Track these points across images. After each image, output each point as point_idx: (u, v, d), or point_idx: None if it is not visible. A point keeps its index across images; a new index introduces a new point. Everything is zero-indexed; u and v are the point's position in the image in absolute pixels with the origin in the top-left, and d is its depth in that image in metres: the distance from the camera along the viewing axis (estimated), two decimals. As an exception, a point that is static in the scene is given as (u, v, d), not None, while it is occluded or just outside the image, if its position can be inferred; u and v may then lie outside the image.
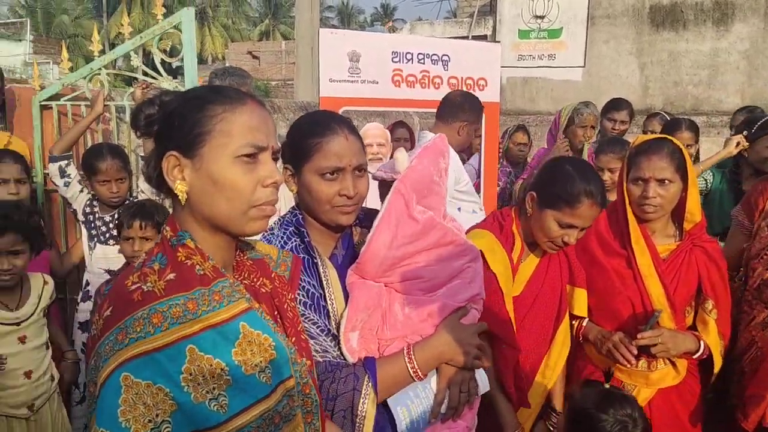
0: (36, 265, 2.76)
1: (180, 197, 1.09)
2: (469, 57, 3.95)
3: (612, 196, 2.98)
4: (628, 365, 2.09)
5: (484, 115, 3.69)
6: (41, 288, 2.45)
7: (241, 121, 1.08)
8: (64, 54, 3.35)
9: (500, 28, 9.55)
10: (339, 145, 1.45)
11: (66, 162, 3.03)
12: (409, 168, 1.51)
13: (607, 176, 3.07)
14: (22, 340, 2.32)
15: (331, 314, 1.47)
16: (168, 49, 3.26)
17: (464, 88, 3.87)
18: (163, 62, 3.10)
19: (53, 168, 3.01)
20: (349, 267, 1.51)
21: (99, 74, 3.15)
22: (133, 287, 1.04)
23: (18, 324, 2.32)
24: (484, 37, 9.83)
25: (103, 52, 3.25)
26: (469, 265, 1.61)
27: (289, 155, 1.54)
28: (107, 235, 3.03)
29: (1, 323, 2.28)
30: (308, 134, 1.48)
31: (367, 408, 1.38)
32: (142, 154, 2.98)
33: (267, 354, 1.09)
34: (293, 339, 1.23)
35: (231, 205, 1.08)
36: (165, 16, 3.06)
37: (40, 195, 3.46)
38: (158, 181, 1.13)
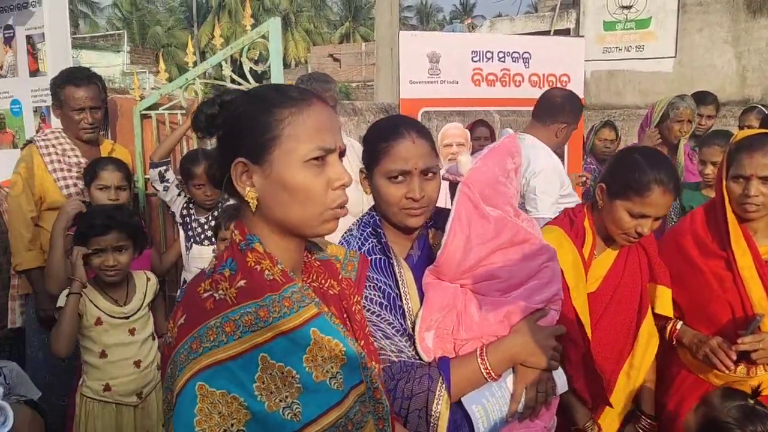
0: (138, 264, 2.97)
1: (251, 204, 1.08)
2: (551, 53, 3.90)
3: (711, 194, 2.85)
4: (726, 371, 2.00)
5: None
6: (145, 284, 2.63)
7: (308, 124, 1.07)
8: (162, 66, 3.57)
9: (584, 21, 9.29)
10: (405, 148, 1.47)
11: (165, 168, 3.22)
12: (473, 169, 1.51)
13: (709, 170, 2.93)
14: (132, 332, 2.50)
15: (407, 314, 1.49)
16: (256, 58, 3.42)
17: (546, 86, 3.82)
18: (250, 69, 3.24)
19: (153, 173, 3.21)
20: (424, 268, 1.52)
21: (193, 84, 3.34)
22: (205, 295, 1.05)
23: (127, 318, 2.50)
24: (566, 31, 9.60)
25: (195, 62, 3.43)
26: (546, 264, 1.59)
27: (364, 159, 1.58)
28: (202, 236, 3.20)
29: (113, 317, 2.47)
30: (378, 138, 1.52)
31: (441, 409, 1.40)
32: (155, 160, 3.13)
33: (338, 360, 1.08)
34: (362, 342, 1.22)
35: (304, 210, 1.07)
36: (252, 26, 3.20)
37: (141, 199, 3.69)
38: (224, 183, 1.12)
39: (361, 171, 1.59)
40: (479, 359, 1.45)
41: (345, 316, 1.23)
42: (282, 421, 0.99)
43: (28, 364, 3.14)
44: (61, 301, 2.41)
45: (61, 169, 3.08)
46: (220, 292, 1.04)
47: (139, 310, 2.54)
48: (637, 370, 2.03)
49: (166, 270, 3.42)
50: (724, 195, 2.08)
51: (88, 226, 2.44)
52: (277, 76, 3.16)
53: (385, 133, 1.51)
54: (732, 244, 2.05)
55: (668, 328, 2.14)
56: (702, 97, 4.04)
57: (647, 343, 2.05)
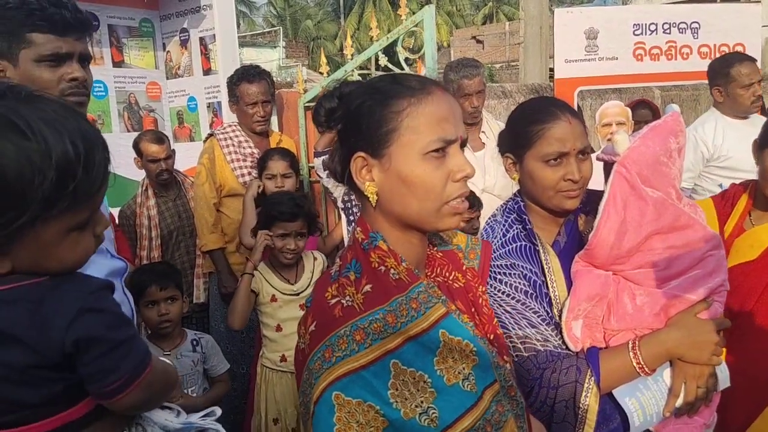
0: (306, 247, 3.20)
1: (371, 198, 1.06)
2: (723, 22, 3.60)
3: None
4: None
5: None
6: (313, 263, 2.84)
7: (427, 114, 1.03)
8: (323, 59, 3.78)
9: (759, -18, 8.37)
10: (562, 130, 1.44)
11: (328, 156, 3.41)
12: (630, 148, 1.42)
13: None
14: (302, 307, 2.71)
15: (554, 302, 1.45)
16: (410, 46, 3.52)
17: (717, 56, 3.53)
18: (406, 58, 3.34)
19: (318, 162, 3.41)
20: (572, 254, 1.47)
21: (351, 75, 3.50)
22: (333, 301, 1.04)
23: (297, 294, 2.71)
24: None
25: (352, 55, 3.58)
26: (710, 253, 1.46)
27: (510, 144, 1.54)
28: (362, 221, 3.36)
29: (286, 294, 2.70)
30: (530, 121, 1.48)
31: (590, 402, 1.34)
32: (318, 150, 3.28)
33: (469, 360, 1.05)
34: (491, 336, 1.19)
35: (422, 204, 1.05)
36: (397, 13, 3.27)
37: (306, 185, 3.95)
38: (345, 177, 1.11)
39: (506, 156, 1.56)
40: (631, 352, 1.38)
41: (473, 309, 1.20)
42: (420, 428, 0.98)
43: (211, 335, 3.50)
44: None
45: (238, 159, 3.38)
46: (347, 298, 1.03)
47: (308, 287, 2.74)
48: None
49: (328, 252, 3.63)
50: None
51: (279, 212, 2.68)
52: (431, 63, 3.23)
53: (539, 116, 1.48)
54: None
55: None
56: None
57: None
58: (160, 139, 3.50)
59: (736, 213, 1.94)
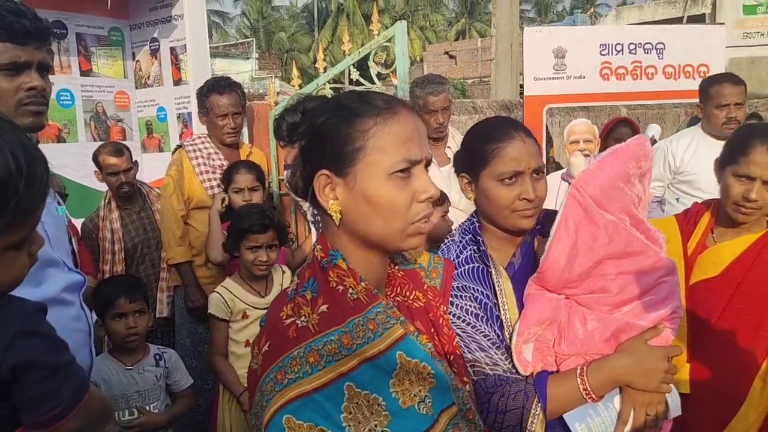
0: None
1: (334, 217, 1.05)
2: (688, 43, 3.70)
3: None
4: None
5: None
6: (282, 276, 2.82)
7: (393, 134, 1.03)
8: (294, 72, 3.77)
9: (721, 5, 8.65)
10: (517, 149, 1.44)
11: (298, 168, 3.40)
12: (585, 171, 1.41)
13: None
14: (264, 324, 2.70)
15: (505, 324, 1.44)
16: (382, 61, 3.52)
17: (683, 77, 3.63)
18: (378, 73, 3.35)
19: (288, 174, 3.40)
20: (526, 275, 1.45)
21: (324, 89, 3.50)
22: (288, 321, 1.02)
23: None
24: (701, 17, 8.98)
25: (325, 68, 3.59)
26: (663, 279, 1.45)
27: (465, 163, 1.53)
28: (331, 234, 3.35)
29: (257, 308, 2.67)
30: (485, 141, 1.48)
31: (536, 428, 1.33)
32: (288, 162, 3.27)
33: (426, 382, 1.03)
34: (451, 357, 1.18)
35: (387, 224, 1.04)
36: (370, 27, 3.30)
37: (276, 198, 3.92)
38: (307, 193, 1.10)
39: (461, 176, 1.55)
40: (579, 378, 1.37)
41: (432, 330, 1.18)
42: None
43: (177, 349, 3.43)
44: (210, 307, 2.65)
45: (207, 171, 3.34)
46: (302, 318, 1.01)
47: None
48: None
49: (297, 265, 3.61)
50: None
51: (249, 225, 2.66)
52: (403, 78, 3.25)
53: (494, 134, 1.48)
54: None
55: None
56: None
57: None
58: (119, 150, 3.44)
59: (699, 230, 1.97)
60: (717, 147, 3.04)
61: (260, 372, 1.01)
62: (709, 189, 2.86)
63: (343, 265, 1.06)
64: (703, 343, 1.90)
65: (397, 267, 1.22)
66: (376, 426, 0.97)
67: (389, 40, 3.26)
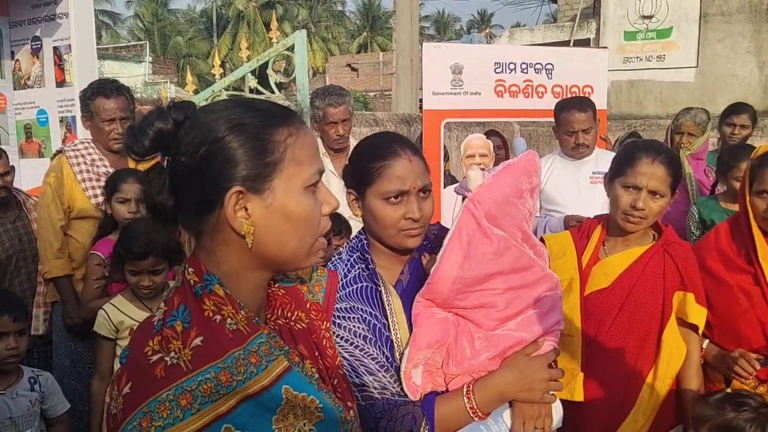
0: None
1: (247, 239, 0.94)
2: (574, 65, 3.90)
3: (729, 206, 2.85)
4: (748, 379, 1.98)
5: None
6: None
7: (307, 145, 0.98)
8: (189, 77, 3.63)
9: (604, 31, 9.27)
10: (402, 167, 1.41)
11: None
12: (482, 186, 1.42)
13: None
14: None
15: (395, 344, 1.43)
16: (281, 69, 3.47)
17: (569, 96, 3.82)
18: (276, 81, 3.30)
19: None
20: (414, 293, 1.43)
21: (220, 95, 3.39)
22: (155, 358, 0.90)
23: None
24: (587, 41, 9.58)
25: (222, 74, 3.48)
26: (546, 294, 1.49)
27: (352, 180, 1.50)
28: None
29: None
30: (370, 158, 1.45)
31: None
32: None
33: (313, 416, 0.96)
34: (335, 380, 1.12)
35: (301, 241, 0.98)
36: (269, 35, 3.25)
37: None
38: (176, 215, 0.98)
39: (349, 192, 1.51)
40: (465, 397, 1.38)
41: (316, 353, 1.11)
42: None
43: (54, 370, 3.18)
44: (96, 324, 2.48)
45: (90, 179, 3.12)
46: (172, 354, 0.90)
47: None
48: (662, 380, 1.98)
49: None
50: (748, 210, 2.08)
51: (126, 250, 2.47)
52: (303, 87, 3.21)
53: (379, 152, 1.45)
54: (759, 258, 2.04)
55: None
56: (736, 108, 4.04)
57: (670, 353, 1.98)
58: None
59: (591, 244, 2.07)
60: (570, 167, 3.23)
61: (121, 418, 0.88)
62: (567, 205, 3.06)
63: (220, 292, 0.96)
64: (596, 352, 1.99)
65: (277, 285, 1.14)
66: None
67: (289, 49, 3.21)
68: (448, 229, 1.47)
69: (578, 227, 2.18)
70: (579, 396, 1.94)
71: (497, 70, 3.72)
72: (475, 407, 1.37)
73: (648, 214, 1.94)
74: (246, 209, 0.94)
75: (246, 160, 0.93)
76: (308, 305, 1.17)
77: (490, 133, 4.60)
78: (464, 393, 1.38)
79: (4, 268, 3.22)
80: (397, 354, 1.42)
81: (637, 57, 9.03)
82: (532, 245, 1.50)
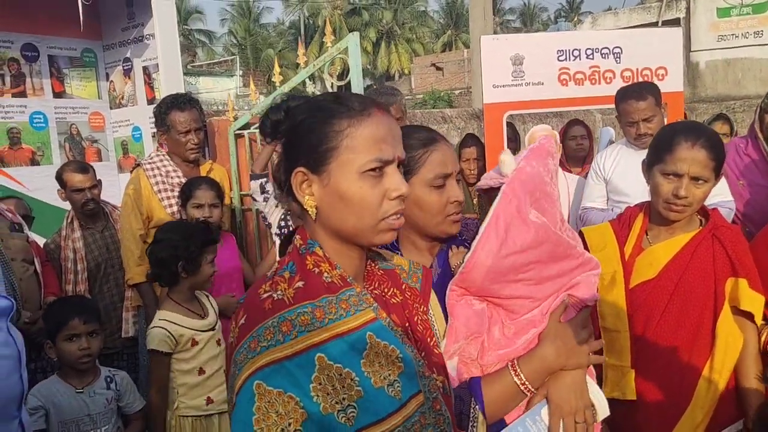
0: (230, 278, 3.14)
1: (310, 212, 1.10)
2: (645, 47, 3.69)
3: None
4: None
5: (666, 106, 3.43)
6: (208, 299, 2.79)
7: (366, 135, 1.08)
8: (252, 87, 3.77)
9: (695, 9, 8.72)
10: (442, 152, 1.46)
11: (265, 179, 3.32)
12: (518, 169, 1.39)
13: None
14: (219, 342, 2.65)
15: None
16: (338, 73, 3.53)
17: (641, 80, 3.62)
18: (333, 85, 3.35)
19: (254, 185, 3.32)
20: (445, 285, 1.42)
21: (281, 102, 3.49)
22: (265, 295, 1.06)
23: (214, 328, 2.65)
24: (676, 21, 9.04)
25: (281, 81, 3.59)
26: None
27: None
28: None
29: (204, 331, 2.62)
30: (408, 148, 1.44)
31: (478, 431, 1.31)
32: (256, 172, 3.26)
33: (395, 367, 1.06)
34: (423, 353, 1.17)
35: (359, 220, 1.08)
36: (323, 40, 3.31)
37: (238, 214, 3.90)
38: (288, 188, 1.14)
39: None
40: (512, 372, 1.36)
41: (407, 324, 1.19)
42: (336, 425, 0.98)
43: (141, 370, 3.41)
44: (152, 342, 2.52)
45: (165, 190, 3.32)
46: (279, 292, 1.06)
47: (217, 321, 2.69)
48: (719, 373, 1.86)
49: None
50: None
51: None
52: (358, 89, 3.25)
53: (416, 142, 1.48)
54: None
55: (762, 338, 1.96)
56: None
57: (726, 344, 1.86)
58: (84, 168, 3.43)
59: (633, 234, 1.97)
60: (636, 157, 3.03)
61: (235, 344, 1.04)
62: (635, 195, 2.88)
63: (320, 253, 1.11)
64: (646, 347, 1.90)
65: (377, 266, 1.25)
66: (344, 399, 1.00)
67: (344, 52, 3.26)
68: (473, 222, 1.48)
69: (619, 217, 2.07)
70: (631, 394, 1.86)
71: (560, 58, 3.60)
72: (524, 381, 1.35)
73: (692, 202, 1.83)
74: (311, 187, 1.09)
75: (309, 145, 1.09)
76: (404, 286, 1.27)
77: (572, 123, 4.38)
78: (510, 368, 1.37)
79: (94, 276, 3.48)
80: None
81: (733, 34, 8.41)
82: (566, 228, 1.47)
